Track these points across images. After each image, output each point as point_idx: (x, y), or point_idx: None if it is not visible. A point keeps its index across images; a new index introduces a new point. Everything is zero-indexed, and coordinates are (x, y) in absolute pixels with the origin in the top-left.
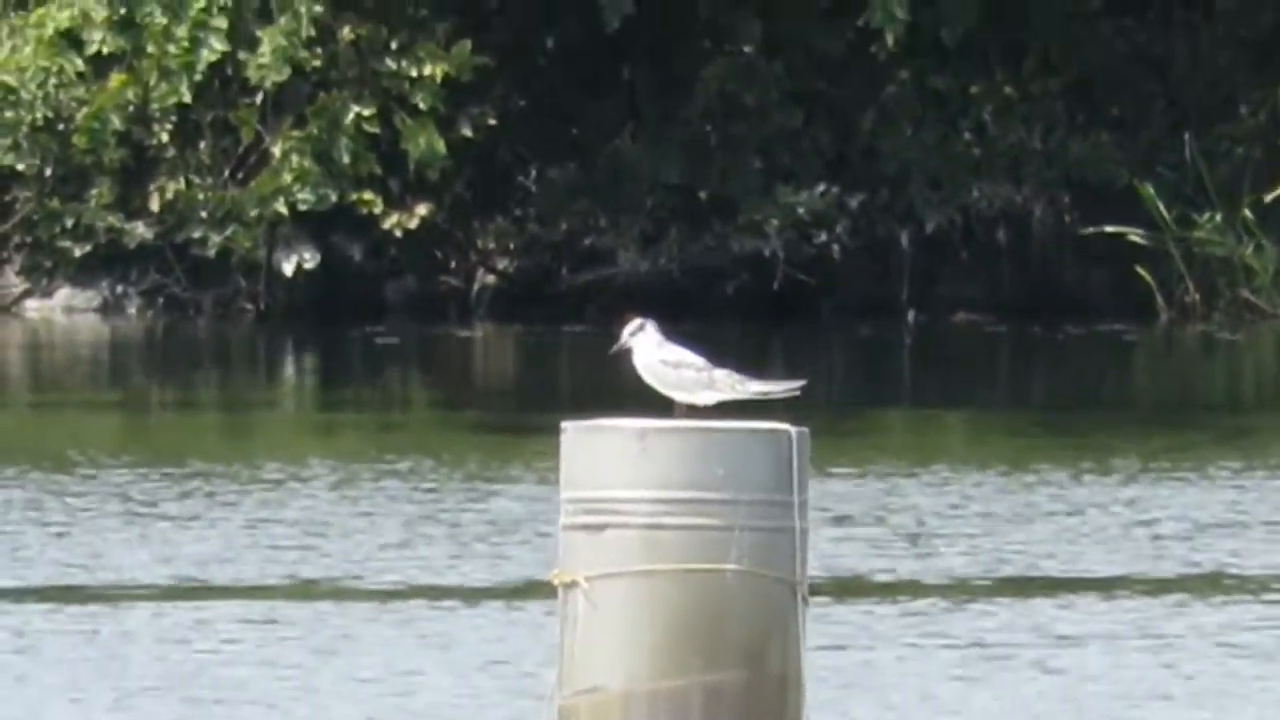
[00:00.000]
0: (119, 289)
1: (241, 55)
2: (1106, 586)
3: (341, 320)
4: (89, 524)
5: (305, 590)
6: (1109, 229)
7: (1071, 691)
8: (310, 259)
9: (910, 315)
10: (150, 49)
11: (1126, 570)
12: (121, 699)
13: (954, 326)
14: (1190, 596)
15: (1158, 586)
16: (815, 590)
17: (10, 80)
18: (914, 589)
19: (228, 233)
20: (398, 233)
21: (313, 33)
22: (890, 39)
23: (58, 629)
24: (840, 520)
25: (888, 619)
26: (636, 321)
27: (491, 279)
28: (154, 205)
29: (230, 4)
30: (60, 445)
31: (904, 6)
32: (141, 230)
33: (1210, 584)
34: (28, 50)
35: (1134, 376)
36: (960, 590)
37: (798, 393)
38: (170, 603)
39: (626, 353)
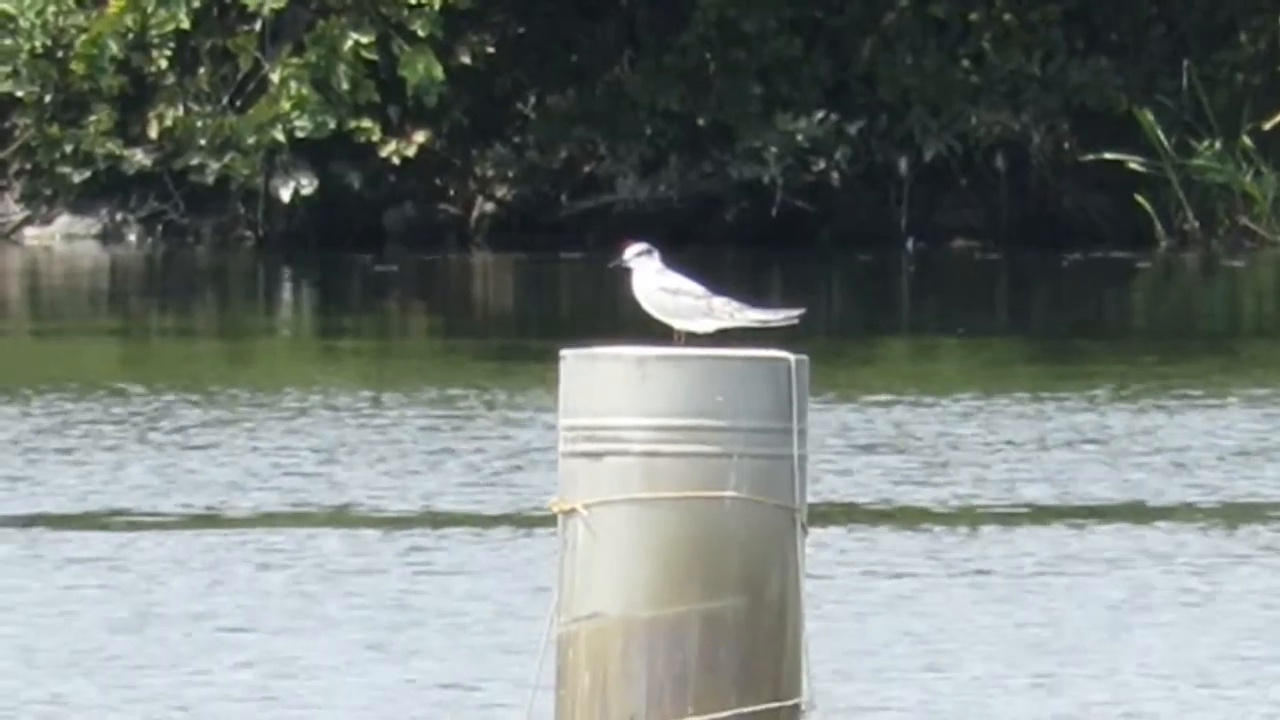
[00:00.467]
0: (118, 216)
1: None
2: (1115, 513)
3: (340, 247)
4: (86, 450)
5: (301, 518)
6: (1108, 156)
7: (1096, 618)
8: (308, 185)
9: (909, 242)
10: None
11: (1131, 496)
12: (131, 622)
13: (953, 253)
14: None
15: (1157, 513)
16: (820, 517)
17: (9, 7)
18: (920, 515)
19: (226, 160)
20: (396, 160)
21: None
22: None
23: (70, 555)
24: (844, 447)
25: (894, 546)
26: (643, 245)
27: (490, 206)
28: (153, 132)
29: None
30: (60, 372)
31: None
32: (140, 157)
33: (1229, 512)
34: None
35: (1134, 303)
36: (968, 517)
37: (796, 321)
38: (172, 531)
39: (626, 274)
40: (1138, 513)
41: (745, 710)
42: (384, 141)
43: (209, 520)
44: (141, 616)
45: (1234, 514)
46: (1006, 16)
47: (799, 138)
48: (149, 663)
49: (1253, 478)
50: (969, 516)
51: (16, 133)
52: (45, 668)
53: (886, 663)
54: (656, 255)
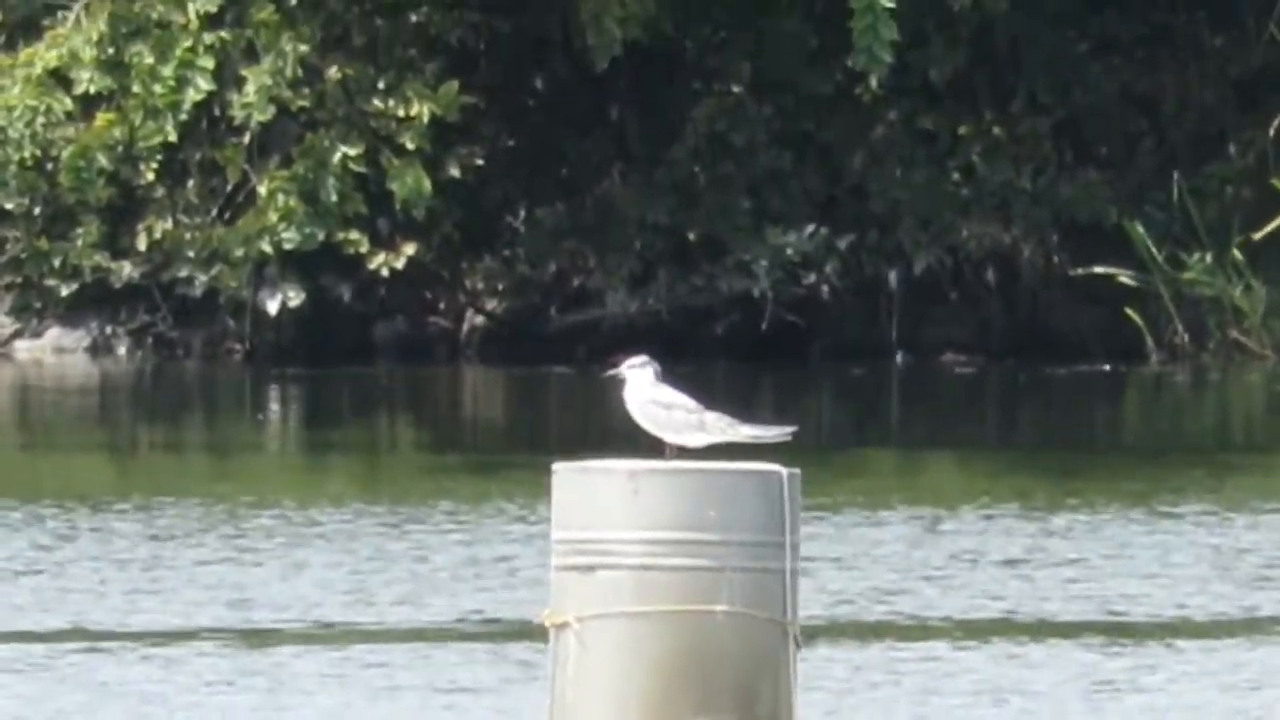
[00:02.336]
0: (108, 329)
1: (228, 95)
2: (1085, 629)
3: (330, 361)
4: (66, 567)
5: (262, 638)
6: (1098, 269)
7: None
8: (296, 298)
9: (899, 356)
10: (137, 88)
11: (1091, 615)
12: None
13: (943, 367)
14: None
15: (1126, 630)
16: (814, 633)
17: None
18: (910, 631)
19: (214, 272)
20: (385, 272)
21: (299, 72)
22: (874, 81)
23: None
24: (833, 562)
25: (885, 661)
26: (642, 357)
27: (480, 319)
28: (141, 244)
29: (217, 43)
30: (48, 486)
31: (888, 49)
32: (129, 270)
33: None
34: (16, 89)
35: (1124, 417)
36: (958, 632)
37: (789, 438)
38: (138, 645)
39: (618, 386)
40: (1115, 628)
41: None
42: (373, 254)
43: (191, 635)
44: None
45: (1212, 629)
46: (996, 129)
47: (789, 251)
48: None
49: (1243, 596)
50: (962, 630)
51: (6, 245)
52: None
53: None
54: (652, 368)
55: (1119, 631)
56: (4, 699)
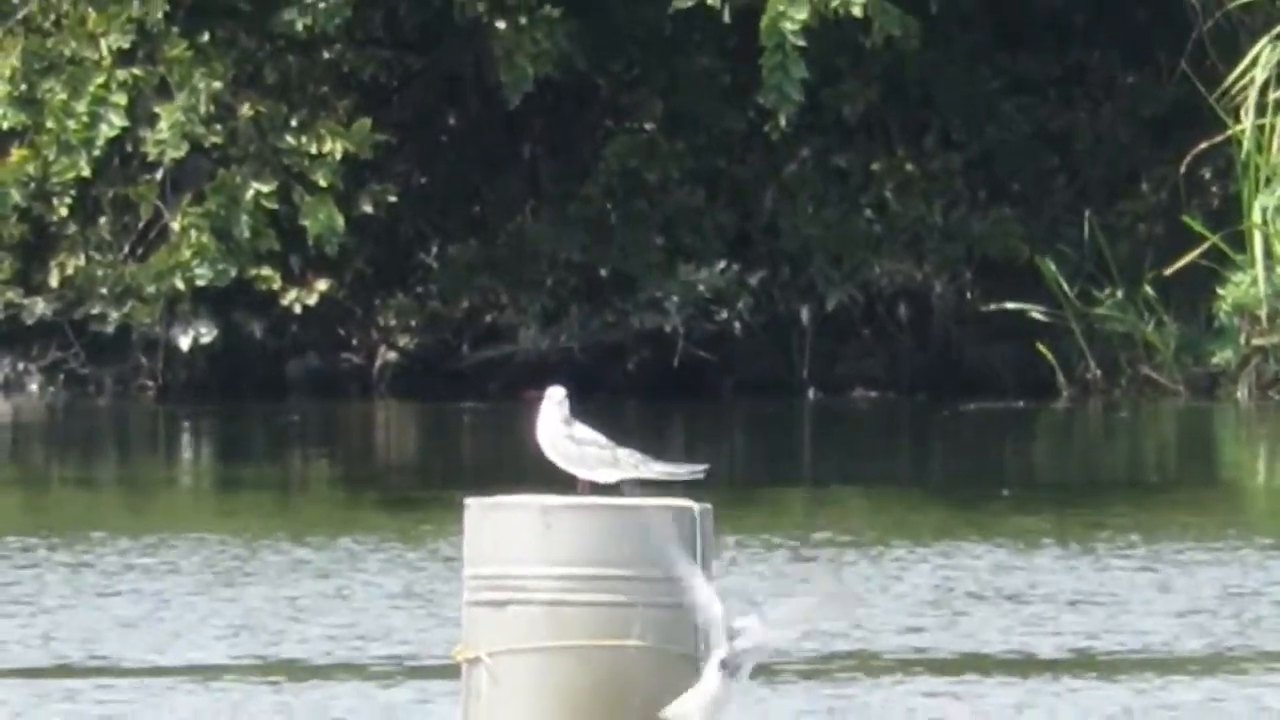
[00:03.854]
0: (19, 365)
1: (141, 132)
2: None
3: (242, 397)
4: None
5: (164, 672)
6: (1010, 305)
7: None
8: (207, 334)
9: (811, 392)
10: (50, 124)
11: (1009, 646)
12: None
13: (854, 404)
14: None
15: (1042, 665)
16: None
17: None
18: (825, 665)
19: (126, 309)
20: (298, 309)
21: (212, 109)
22: (782, 119)
23: None
24: (747, 601)
25: (805, 693)
26: (557, 387)
27: (393, 355)
28: (54, 281)
29: (129, 80)
30: None
31: (798, 87)
32: (41, 306)
33: (1086, 662)
34: None
35: (1034, 452)
36: (874, 664)
37: (700, 475)
38: (47, 680)
39: (537, 407)
40: (1030, 665)
41: None
42: (285, 290)
43: (94, 670)
44: None
45: (1126, 666)
46: (908, 166)
47: (701, 288)
48: None
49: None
50: (877, 664)
51: None
52: None
53: None
54: (564, 401)
55: (1036, 664)
56: None
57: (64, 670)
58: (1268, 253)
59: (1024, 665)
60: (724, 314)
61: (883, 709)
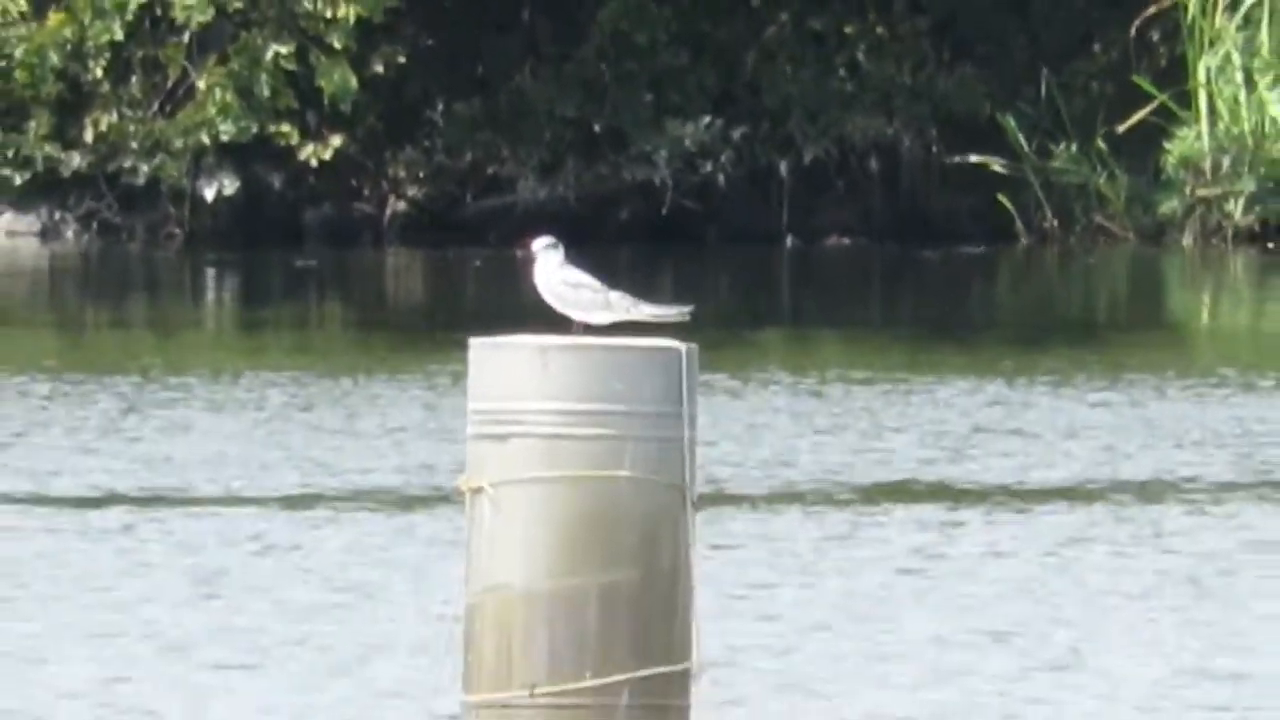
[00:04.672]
0: (57, 215)
1: None
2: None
3: (263, 244)
4: (21, 431)
5: (194, 503)
6: (973, 159)
7: (939, 595)
8: (230, 186)
9: (789, 240)
10: None
11: (979, 478)
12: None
13: (829, 250)
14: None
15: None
16: (711, 498)
17: None
18: (804, 494)
19: (156, 162)
20: (314, 163)
21: None
22: None
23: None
24: (727, 433)
25: (780, 521)
26: (549, 238)
27: (402, 206)
28: (88, 136)
29: None
30: (2, 357)
31: None
32: (77, 160)
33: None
34: None
35: (996, 296)
36: (845, 494)
37: (688, 317)
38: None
39: (529, 265)
40: (1011, 494)
41: (639, 674)
42: (302, 145)
43: (128, 499)
44: (52, 599)
45: (1086, 494)
46: (879, 29)
47: (687, 142)
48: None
49: (1108, 461)
50: (851, 492)
51: None
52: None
53: (777, 629)
54: (560, 249)
55: (1009, 494)
56: None
57: (116, 499)
58: (1211, 110)
59: (1003, 492)
60: (708, 166)
61: (847, 532)
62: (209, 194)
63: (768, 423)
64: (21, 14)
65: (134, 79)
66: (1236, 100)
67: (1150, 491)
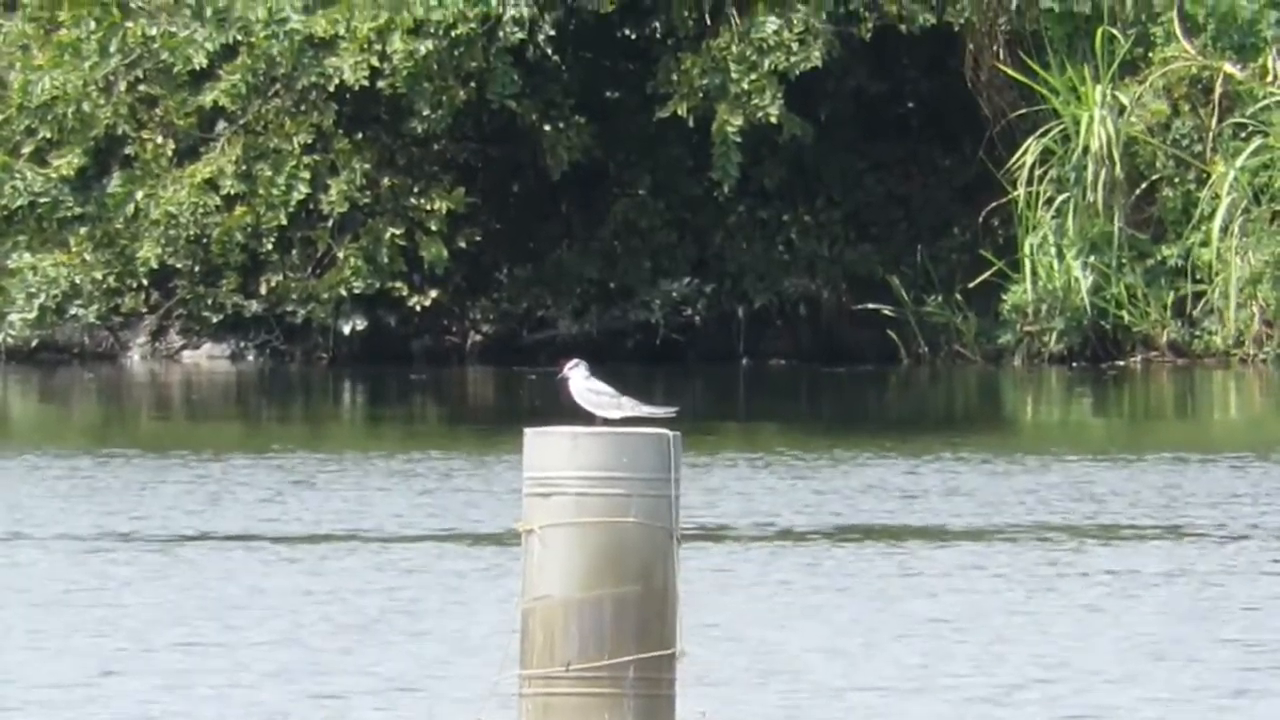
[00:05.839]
0: (241, 344)
1: (319, 195)
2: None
3: (383, 364)
4: (224, 488)
5: (352, 541)
6: (870, 306)
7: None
8: (360, 324)
9: (744, 361)
10: (260, 191)
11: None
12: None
13: (772, 369)
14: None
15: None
16: (689, 537)
17: (173, 210)
18: (769, 538)
19: (309, 308)
20: (418, 308)
21: (364, 181)
22: (725, 188)
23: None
24: (704, 493)
25: (745, 559)
26: (575, 360)
27: (479, 338)
28: (263, 290)
29: (311, 163)
30: (204, 441)
31: (735, 167)
32: (255, 306)
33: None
34: (184, 192)
35: (887, 400)
36: (813, 537)
37: (674, 414)
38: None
39: (564, 380)
40: (914, 532)
41: (642, 655)
42: (410, 296)
43: (288, 539)
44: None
45: (972, 533)
46: (806, 217)
47: (674, 294)
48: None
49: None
50: (818, 537)
51: (178, 290)
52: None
53: (740, 620)
54: (584, 366)
55: (911, 533)
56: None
57: (319, 537)
58: (1034, 272)
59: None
60: (689, 311)
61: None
62: (346, 329)
63: (728, 487)
64: (216, 207)
65: (294, 251)
66: (1051, 267)
67: (1022, 532)
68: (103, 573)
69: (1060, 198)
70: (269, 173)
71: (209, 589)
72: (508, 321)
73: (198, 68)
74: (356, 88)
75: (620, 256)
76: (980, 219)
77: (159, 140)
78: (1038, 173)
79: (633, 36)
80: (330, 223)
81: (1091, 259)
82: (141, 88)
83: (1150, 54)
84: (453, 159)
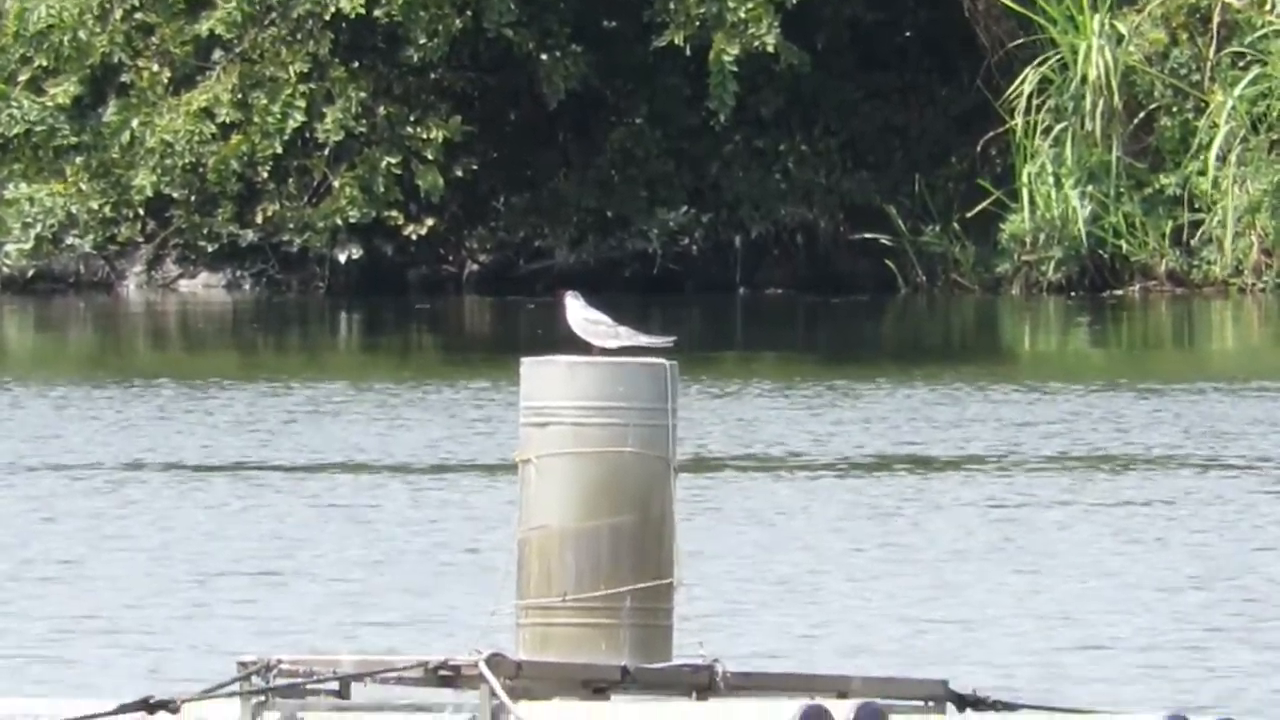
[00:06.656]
0: (237, 273)
1: (314, 124)
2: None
3: (379, 294)
4: (214, 413)
5: (338, 469)
6: (868, 235)
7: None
8: (356, 253)
9: (740, 291)
10: (256, 119)
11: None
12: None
13: (768, 298)
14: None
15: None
16: (685, 467)
17: (169, 138)
18: (749, 465)
19: (305, 237)
20: (414, 237)
21: (360, 110)
22: (722, 117)
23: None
24: (694, 423)
25: (735, 485)
26: (573, 291)
27: (475, 267)
28: (259, 219)
29: (308, 91)
30: (201, 369)
31: (732, 96)
32: (251, 235)
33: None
34: (180, 120)
35: (883, 329)
36: (792, 465)
37: (671, 344)
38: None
39: (561, 309)
40: (915, 460)
41: (638, 586)
42: (406, 225)
43: (262, 467)
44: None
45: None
46: (803, 146)
47: (671, 224)
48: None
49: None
50: (799, 465)
51: (174, 220)
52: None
53: (736, 553)
54: (581, 298)
55: (914, 460)
56: (193, 510)
57: (270, 466)
58: (1031, 202)
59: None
60: (685, 240)
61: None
62: (342, 258)
63: (726, 415)
64: (212, 135)
65: (290, 180)
66: (1049, 195)
67: (1008, 460)
68: (109, 502)
69: (1058, 127)
70: (265, 101)
71: (222, 519)
72: (504, 251)
73: None
74: (353, 16)
75: (617, 185)
76: (978, 148)
77: (155, 68)
78: (1035, 102)
79: None
80: (326, 151)
81: (1089, 188)
82: (138, 16)
83: None
84: (449, 88)
